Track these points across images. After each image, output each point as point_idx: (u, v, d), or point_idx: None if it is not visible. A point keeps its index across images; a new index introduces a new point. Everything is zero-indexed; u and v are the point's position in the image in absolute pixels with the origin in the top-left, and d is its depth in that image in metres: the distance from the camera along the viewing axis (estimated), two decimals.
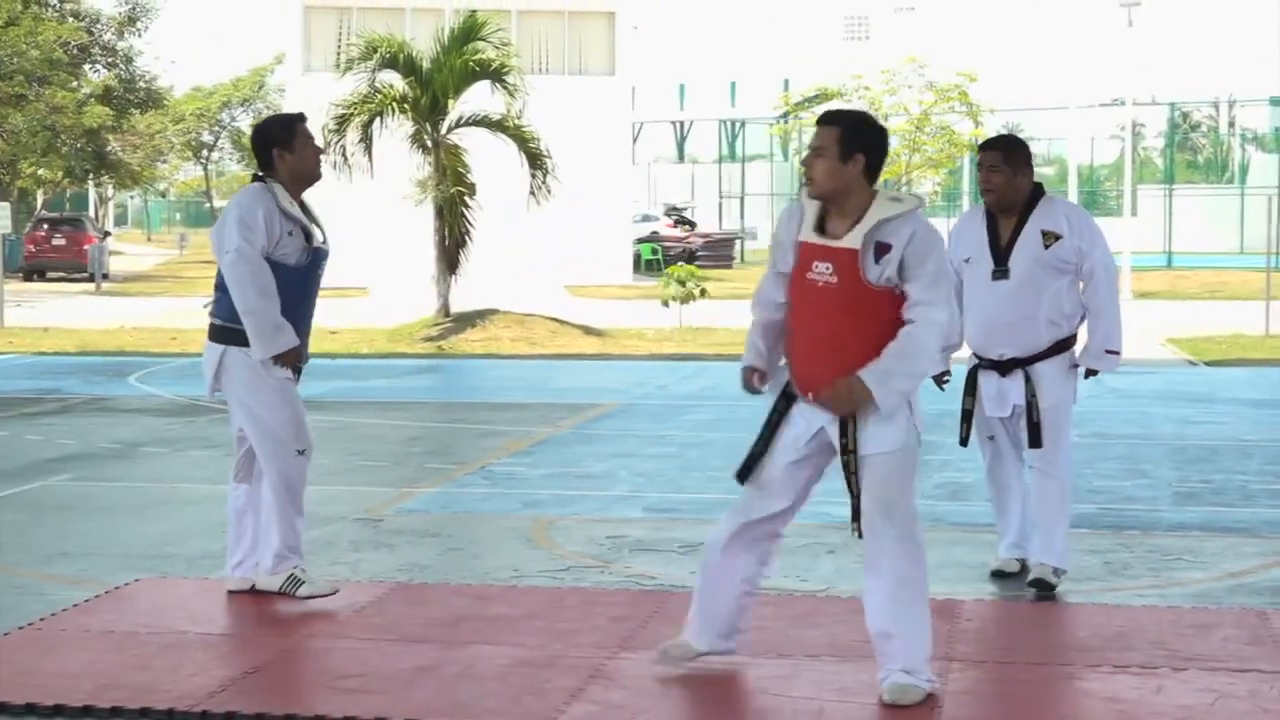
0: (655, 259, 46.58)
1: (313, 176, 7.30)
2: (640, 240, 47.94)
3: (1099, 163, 65.11)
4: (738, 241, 54.79)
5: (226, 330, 7.16)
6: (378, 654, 6.50)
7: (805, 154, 5.98)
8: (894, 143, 45.92)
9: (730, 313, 27.39)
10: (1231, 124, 65.65)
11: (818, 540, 9.23)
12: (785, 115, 54.25)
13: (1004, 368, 7.62)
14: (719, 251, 50.04)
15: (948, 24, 73.37)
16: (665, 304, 26.24)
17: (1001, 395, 7.64)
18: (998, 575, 7.97)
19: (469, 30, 26.22)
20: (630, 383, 18.25)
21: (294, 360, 7.19)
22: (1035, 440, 7.56)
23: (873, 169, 5.86)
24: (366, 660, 6.41)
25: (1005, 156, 7.57)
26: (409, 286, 32.91)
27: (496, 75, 26.05)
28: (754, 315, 6.06)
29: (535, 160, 25.99)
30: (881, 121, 6.40)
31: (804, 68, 61.67)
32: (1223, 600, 7.72)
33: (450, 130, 25.95)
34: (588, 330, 25.39)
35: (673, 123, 71.77)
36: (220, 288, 7.17)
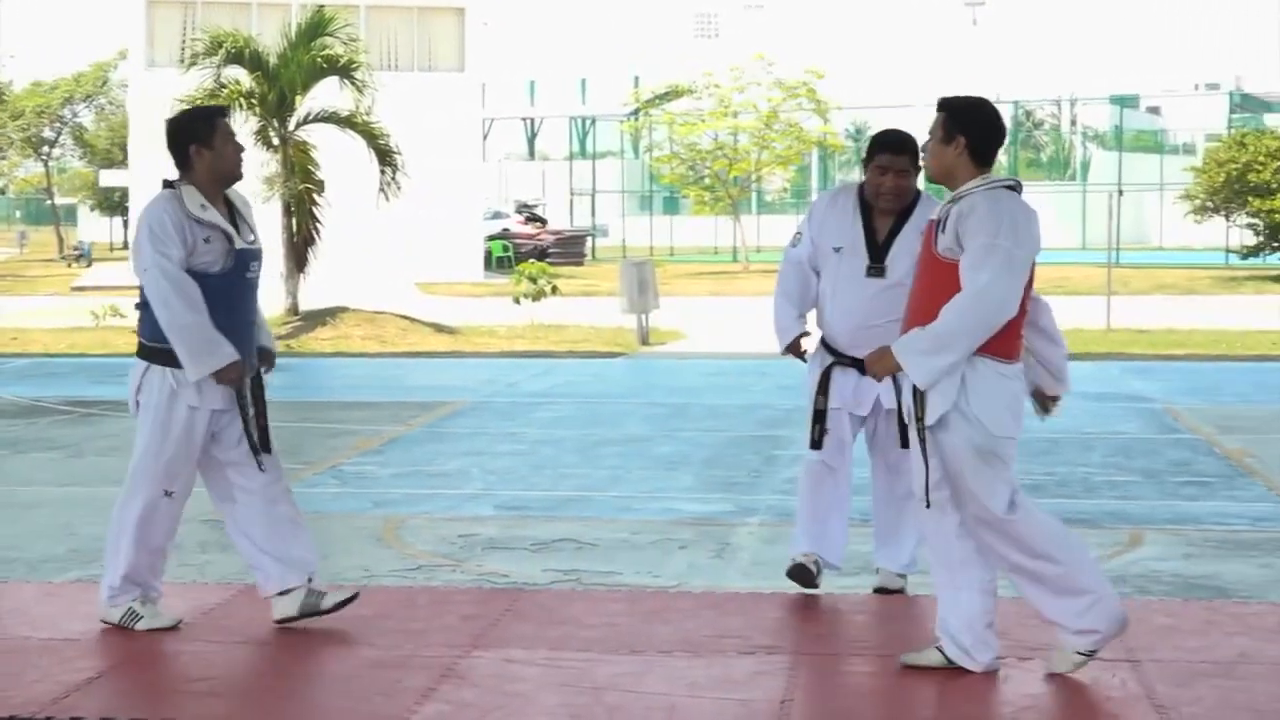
0: (506, 256, 46.46)
1: (233, 175, 6.82)
2: (491, 237, 47.79)
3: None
4: (589, 238, 54.82)
5: (148, 349, 6.68)
6: (226, 657, 6.42)
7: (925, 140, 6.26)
8: (742, 139, 46.28)
9: (581, 309, 27.41)
10: (1073, 122, 66.82)
11: (669, 536, 9.26)
12: (636, 112, 54.41)
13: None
14: (570, 249, 50.03)
15: (796, 22, 73.96)
16: (516, 301, 26.19)
17: (860, 394, 7.23)
18: (795, 574, 7.29)
19: (316, 26, 25.99)
20: (481, 380, 18.19)
21: (234, 376, 6.62)
22: (905, 441, 7.10)
23: (977, 150, 6.01)
24: (215, 663, 6.33)
25: (913, 160, 7.11)
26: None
27: (345, 71, 25.85)
28: None
29: (385, 157, 25.82)
30: (993, 104, 6.16)
31: (654, 64, 61.91)
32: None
33: (298, 127, 25.70)
34: (439, 328, 25.27)
35: (523, 119, 71.68)
36: (143, 305, 6.71)
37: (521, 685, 6.06)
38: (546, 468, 11.79)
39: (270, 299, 27.08)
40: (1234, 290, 36.08)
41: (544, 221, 54.07)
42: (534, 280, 25.88)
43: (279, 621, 6.75)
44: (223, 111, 6.94)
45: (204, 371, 6.56)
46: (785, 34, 68.01)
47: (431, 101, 40.28)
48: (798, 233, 7.33)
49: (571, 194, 61.96)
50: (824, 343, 7.32)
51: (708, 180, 47.52)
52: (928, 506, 6.05)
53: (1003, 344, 5.93)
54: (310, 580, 6.77)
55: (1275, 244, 38.28)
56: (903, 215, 7.14)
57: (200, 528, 9.41)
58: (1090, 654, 6.03)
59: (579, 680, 6.12)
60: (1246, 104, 60.79)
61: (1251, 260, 40.99)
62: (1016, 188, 6.07)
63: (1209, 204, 39.41)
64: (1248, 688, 5.98)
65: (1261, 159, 37.65)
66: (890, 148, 7.13)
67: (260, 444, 6.80)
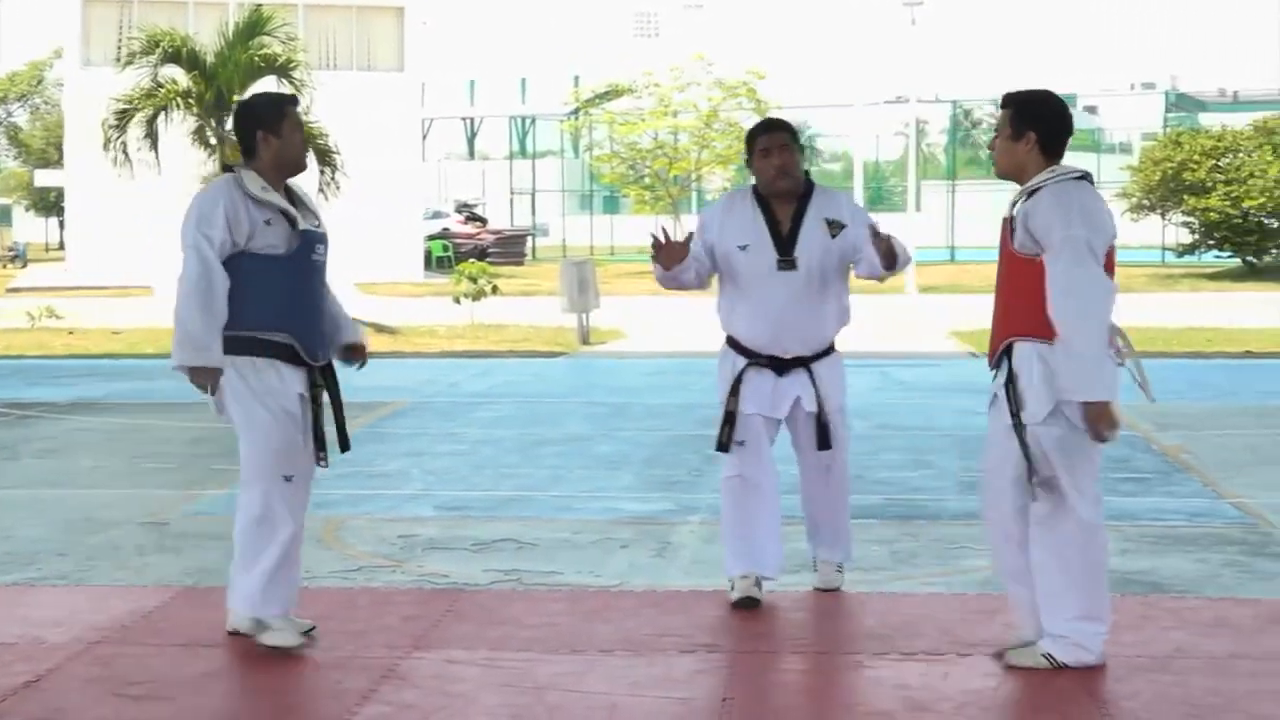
0: (446, 256, 46.37)
1: (297, 165, 6.63)
2: (431, 237, 47.68)
3: (884, 159, 66.21)
4: (529, 238, 54.76)
5: (228, 340, 6.36)
6: (165, 660, 6.38)
7: (992, 137, 6.26)
8: (682, 139, 46.33)
9: (522, 309, 27.38)
10: None
11: (610, 536, 9.26)
12: (576, 111, 54.38)
13: (783, 366, 7.06)
14: (510, 248, 49.99)
15: (736, 21, 74.12)
16: (457, 301, 26.14)
17: (778, 397, 7.04)
18: (744, 605, 7.06)
19: (254, 24, 25.87)
20: (422, 380, 18.14)
21: (205, 382, 6.34)
22: (825, 442, 7.08)
23: (1047, 145, 6.07)
24: (153, 667, 6.28)
25: (793, 136, 7.14)
26: None
27: (283, 70, 25.75)
28: None
29: (324, 157, 25.73)
30: (1059, 97, 6.20)
31: (594, 64, 61.89)
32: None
33: None
34: (379, 328, 25.19)
35: (463, 119, 71.54)
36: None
37: (462, 686, 6.05)
38: (487, 468, 11.77)
39: None
40: (1170, 288, 36.37)
41: (484, 221, 53.98)
42: (474, 280, 25.85)
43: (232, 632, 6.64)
44: (294, 100, 6.73)
45: (185, 363, 6.31)
46: (725, 33, 68.15)
47: (371, 101, 40.16)
48: (689, 235, 7.18)
49: (512, 193, 61.88)
50: (735, 345, 7.11)
51: (648, 179, 47.57)
52: (1035, 500, 6.06)
53: None
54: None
55: (1210, 242, 38.64)
56: (800, 206, 7.04)
57: (138, 530, 9.35)
58: (1057, 663, 6.07)
59: (520, 680, 6.12)
60: (1181, 103, 61.29)
61: (1187, 258, 41.37)
62: (1086, 178, 6.10)
63: (1145, 202, 39.73)
64: (1184, 682, 6.03)
65: (1196, 158, 37.99)
66: (765, 129, 7.18)
67: (340, 443, 6.65)
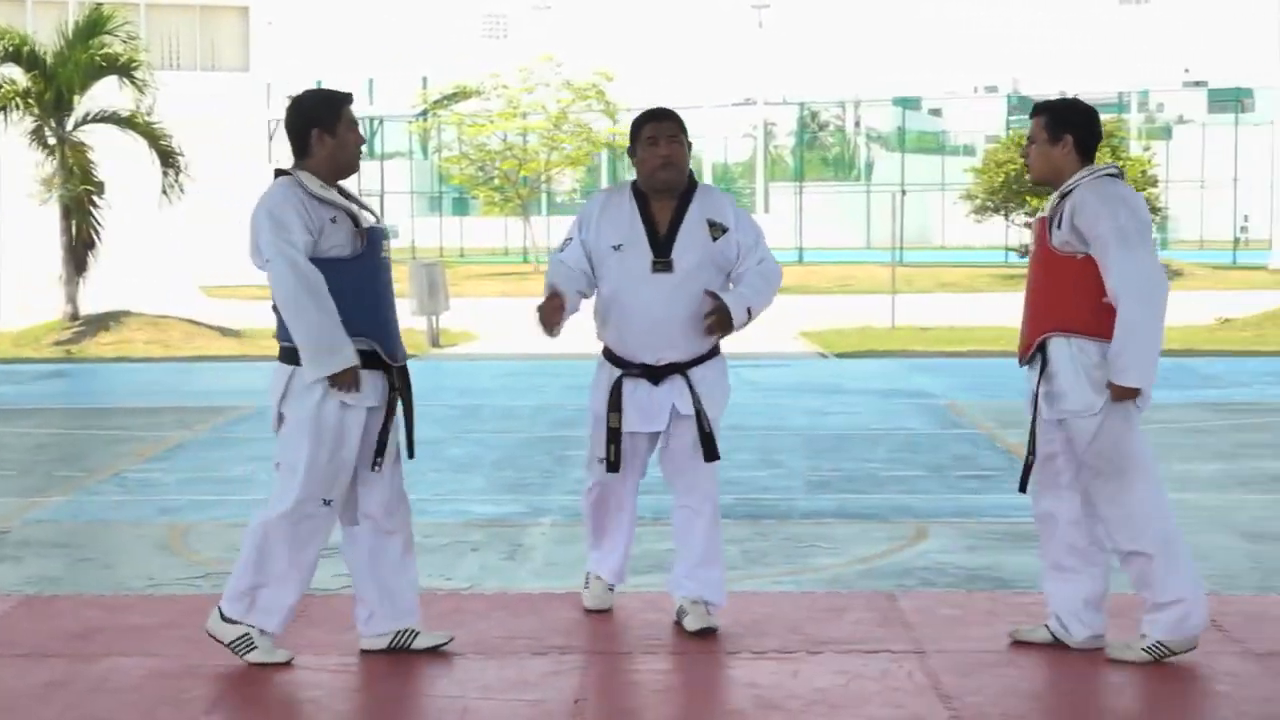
0: None
1: (351, 166, 6.30)
2: None
3: (733, 161, 66.66)
4: None
5: (293, 350, 6.12)
6: (6, 670, 6.24)
7: (1024, 145, 6.31)
8: (532, 140, 46.30)
9: None
10: (857, 124, 67.91)
11: (461, 539, 9.23)
12: (424, 113, 54.09)
13: (658, 374, 6.59)
14: None
15: (584, 23, 74.19)
16: None
17: (654, 407, 6.59)
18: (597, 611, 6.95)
19: (94, 24, 25.45)
20: (268, 384, 17.91)
21: (349, 382, 6.06)
22: (712, 453, 6.60)
23: (1083, 146, 6.18)
24: None
25: (682, 128, 6.64)
26: (35, 289, 31.74)
27: (124, 70, 25.35)
28: None
29: (167, 158, 25.37)
30: (1087, 103, 6.32)
31: (442, 65, 61.65)
32: (854, 584, 7.98)
33: (76, 127, 25.15)
34: (225, 331, 24.89)
35: None
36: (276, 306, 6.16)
37: (313, 692, 5.99)
38: None
39: (49, 303, 26.55)
40: (1013, 288, 36.94)
41: None
42: None
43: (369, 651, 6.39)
44: (348, 98, 6.37)
45: (322, 373, 6.03)
46: (574, 35, 68.22)
47: (215, 101, 39.66)
48: (567, 238, 6.70)
49: (360, 195, 61.42)
50: (609, 354, 6.68)
51: (497, 181, 47.46)
52: (1022, 491, 6.26)
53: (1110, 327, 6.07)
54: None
55: None
56: (681, 205, 6.59)
57: None
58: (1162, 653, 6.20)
59: (370, 685, 6.07)
60: (1024, 106, 62.32)
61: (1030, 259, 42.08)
62: (1119, 174, 6.22)
63: (989, 204, 40.36)
64: (1029, 675, 6.13)
65: None
66: (654, 117, 6.65)
67: (408, 450, 6.37)
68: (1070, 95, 6.46)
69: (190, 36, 41.65)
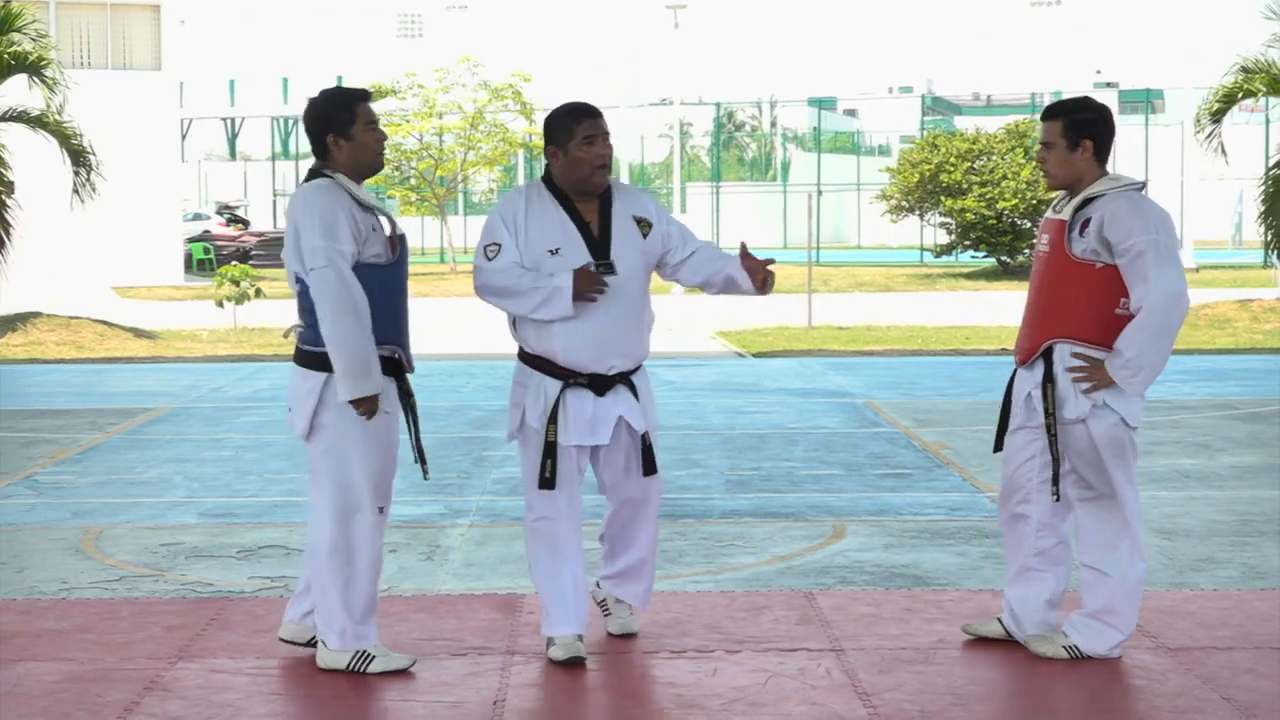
0: (208, 258, 45.58)
1: (373, 167, 6.10)
2: (192, 240, 46.84)
3: (649, 161, 66.70)
4: None
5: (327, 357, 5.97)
6: None
7: (1038, 150, 6.27)
8: (449, 140, 46.19)
9: (287, 312, 27.03)
10: (774, 124, 68.13)
11: None
12: None
13: (602, 384, 6.27)
14: (273, 250, 49.19)
15: (500, 23, 74.04)
16: (219, 304, 25.71)
17: (598, 420, 6.26)
18: (573, 664, 6.31)
19: (3, 21, 25.12)
20: (184, 385, 17.80)
21: (373, 408, 5.96)
22: (652, 467, 6.34)
23: (1101, 151, 6.20)
24: None
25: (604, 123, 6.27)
26: None
27: (34, 69, 25.03)
28: None
29: (78, 158, 25.09)
30: (1100, 102, 6.23)
31: (357, 64, 61.33)
32: (773, 583, 8.00)
33: None
34: (138, 333, 24.67)
35: (223, 119, 70.34)
36: (310, 311, 6.03)
37: (230, 695, 5.95)
38: (252, 473, 11.58)
39: None
40: (929, 287, 37.21)
41: (246, 223, 53.16)
42: (236, 283, 25.44)
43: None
44: (364, 95, 6.17)
45: (356, 395, 5.89)
46: (489, 35, 68.05)
47: (127, 101, 39.29)
48: (492, 244, 6.23)
49: (275, 195, 61.03)
50: (544, 365, 6.27)
51: (414, 181, 47.28)
52: (1057, 500, 6.23)
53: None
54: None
55: (966, 243, 39.59)
56: (604, 204, 6.30)
57: None
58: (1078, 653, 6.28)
59: (289, 688, 6.03)
60: (938, 106, 62.77)
61: (945, 259, 42.40)
62: (1144, 188, 6.26)
63: (904, 204, 40.57)
64: (947, 671, 6.17)
65: (952, 160, 38.90)
66: (588, 114, 6.26)
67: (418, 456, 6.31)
68: (1083, 94, 6.46)
69: (101, 35, 41.23)
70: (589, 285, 6.11)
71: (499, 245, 6.21)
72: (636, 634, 6.63)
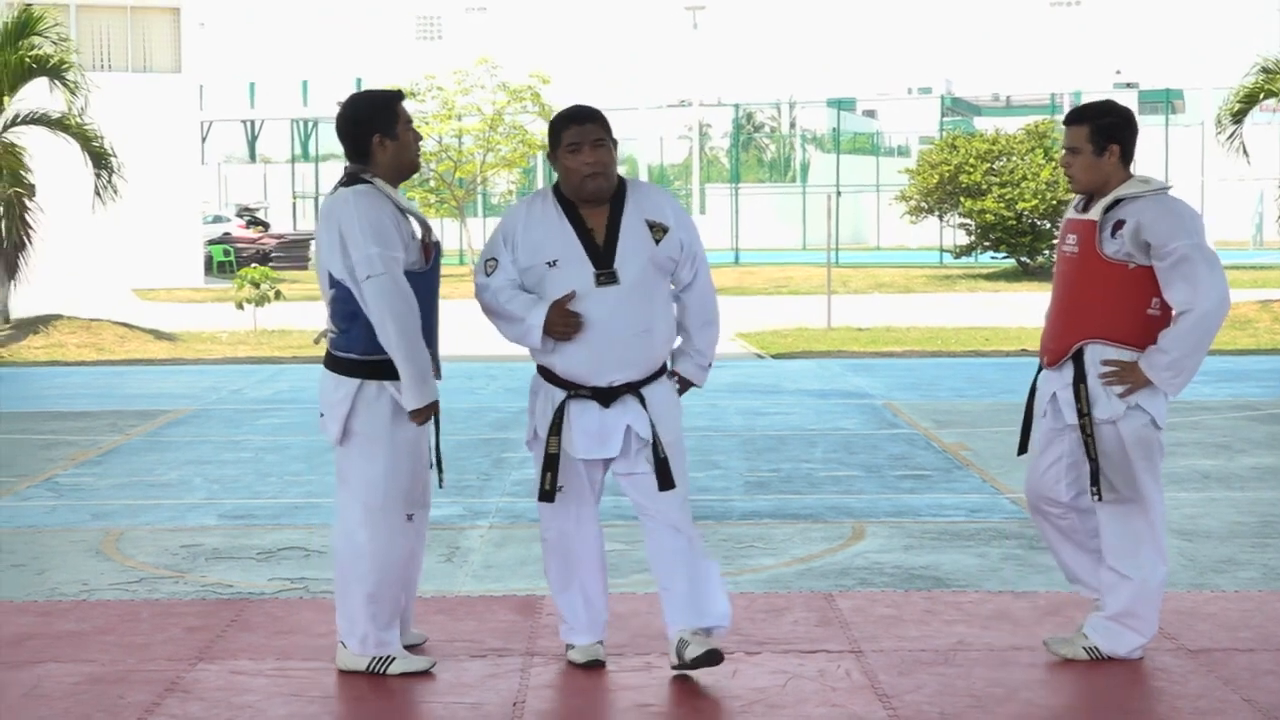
0: (228, 261, 45.69)
1: (414, 166, 6.09)
2: (212, 242, 46.94)
3: (669, 162, 66.71)
4: (312, 242, 54.17)
5: (366, 364, 5.93)
6: None
7: (1062, 155, 6.25)
8: (468, 142, 46.27)
9: (306, 314, 27.06)
10: (792, 125, 68.12)
11: None
12: None
13: (609, 396, 6.05)
14: (293, 253, 49.38)
15: (519, 25, 74.09)
16: (239, 306, 25.75)
17: (605, 432, 6.04)
18: (588, 665, 6.30)
19: (24, 25, 25.20)
20: (204, 387, 17.83)
21: (429, 416, 5.98)
22: (667, 481, 6.03)
23: (1127, 154, 6.19)
24: None
25: (606, 128, 6.03)
26: None
27: (55, 72, 25.12)
28: None
29: (99, 160, 25.17)
30: (1122, 105, 6.25)
31: (376, 66, 61.45)
32: (792, 585, 8.00)
33: (7, 129, 24.90)
34: (158, 335, 24.71)
35: (243, 122, 70.51)
36: (345, 317, 5.94)
37: (249, 697, 5.96)
38: (272, 475, 11.61)
39: None
40: (948, 289, 37.16)
41: (266, 225, 53.28)
42: (257, 285, 25.48)
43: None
44: (400, 95, 6.15)
45: (420, 403, 5.89)
46: (508, 37, 68.11)
47: (148, 103, 39.38)
48: (490, 259, 6.05)
49: (294, 197, 61.16)
50: (550, 376, 6.10)
51: (432, 183, 47.32)
52: (1099, 499, 6.18)
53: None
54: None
55: (986, 243, 39.52)
56: (615, 209, 6.03)
57: None
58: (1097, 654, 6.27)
59: (308, 689, 6.04)
60: (957, 107, 62.68)
61: (964, 259, 42.32)
62: (1170, 189, 6.27)
63: (923, 205, 40.50)
64: (966, 674, 6.16)
65: (972, 161, 38.82)
66: (574, 119, 6.00)
67: (435, 462, 6.27)
68: (1106, 97, 6.46)
69: (121, 38, 41.33)
70: (560, 324, 5.93)
71: (496, 261, 6.05)
72: (718, 655, 6.08)
